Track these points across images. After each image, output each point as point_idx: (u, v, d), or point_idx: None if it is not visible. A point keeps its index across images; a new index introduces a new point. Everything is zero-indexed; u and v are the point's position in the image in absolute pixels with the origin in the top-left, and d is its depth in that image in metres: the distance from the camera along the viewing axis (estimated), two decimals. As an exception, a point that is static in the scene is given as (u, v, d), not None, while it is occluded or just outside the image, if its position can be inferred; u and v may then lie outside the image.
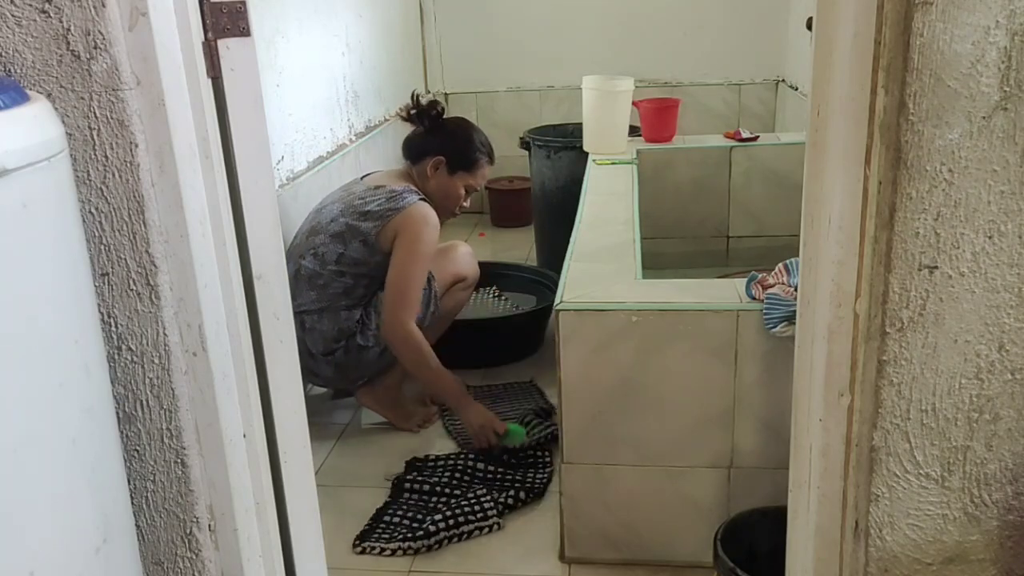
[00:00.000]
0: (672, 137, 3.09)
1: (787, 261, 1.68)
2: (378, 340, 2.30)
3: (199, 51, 1.08)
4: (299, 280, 2.27)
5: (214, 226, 1.12)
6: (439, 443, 2.37)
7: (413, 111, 2.45)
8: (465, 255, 2.53)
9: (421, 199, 2.31)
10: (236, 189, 1.16)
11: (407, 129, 2.51)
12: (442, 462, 2.22)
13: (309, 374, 2.33)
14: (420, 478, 2.15)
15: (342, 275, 2.26)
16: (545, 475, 2.14)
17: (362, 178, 2.45)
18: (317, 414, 2.52)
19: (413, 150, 2.44)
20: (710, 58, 4.19)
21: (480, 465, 2.19)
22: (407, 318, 2.24)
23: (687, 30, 4.17)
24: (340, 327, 2.27)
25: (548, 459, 2.21)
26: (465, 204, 2.50)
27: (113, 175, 1.04)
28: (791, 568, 1.30)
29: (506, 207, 4.24)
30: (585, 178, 2.72)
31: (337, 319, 2.27)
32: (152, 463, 1.15)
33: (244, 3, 1.11)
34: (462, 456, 2.24)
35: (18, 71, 1.00)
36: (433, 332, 2.43)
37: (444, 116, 2.47)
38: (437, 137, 2.42)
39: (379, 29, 3.64)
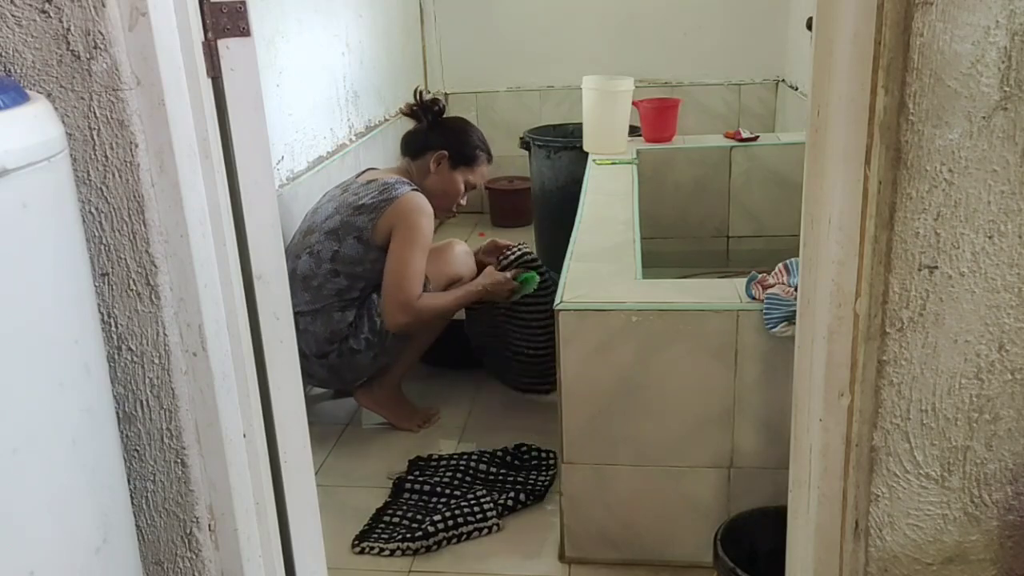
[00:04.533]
0: (672, 137, 3.10)
1: (787, 261, 1.68)
2: (371, 344, 2.27)
3: (199, 51, 1.08)
4: (294, 281, 2.25)
5: (214, 226, 1.12)
6: (440, 443, 2.38)
7: (415, 107, 2.48)
8: (461, 254, 2.48)
9: (414, 189, 2.31)
10: (236, 189, 1.16)
11: (407, 129, 2.52)
12: (444, 462, 2.23)
13: (305, 375, 2.30)
14: (422, 478, 2.15)
15: (336, 275, 2.24)
16: (547, 477, 2.14)
17: (358, 176, 2.46)
18: (317, 414, 2.52)
19: (413, 145, 2.47)
20: (710, 58, 4.19)
21: (482, 466, 2.19)
22: (410, 299, 2.22)
23: (687, 30, 4.17)
24: (333, 329, 2.25)
25: (552, 461, 2.21)
26: (462, 202, 2.53)
27: (113, 175, 1.04)
28: (791, 568, 1.30)
29: (506, 207, 4.25)
30: (585, 178, 2.72)
31: (330, 321, 2.25)
32: (152, 463, 1.15)
33: (244, 3, 1.11)
34: (464, 456, 2.24)
35: (18, 71, 1.00)
36: (430, 333, 2.43)
37: (444, 114, 2.50)
38: (438, 133, 2.45)
39: (379, 29, 3.64)
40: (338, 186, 2.45)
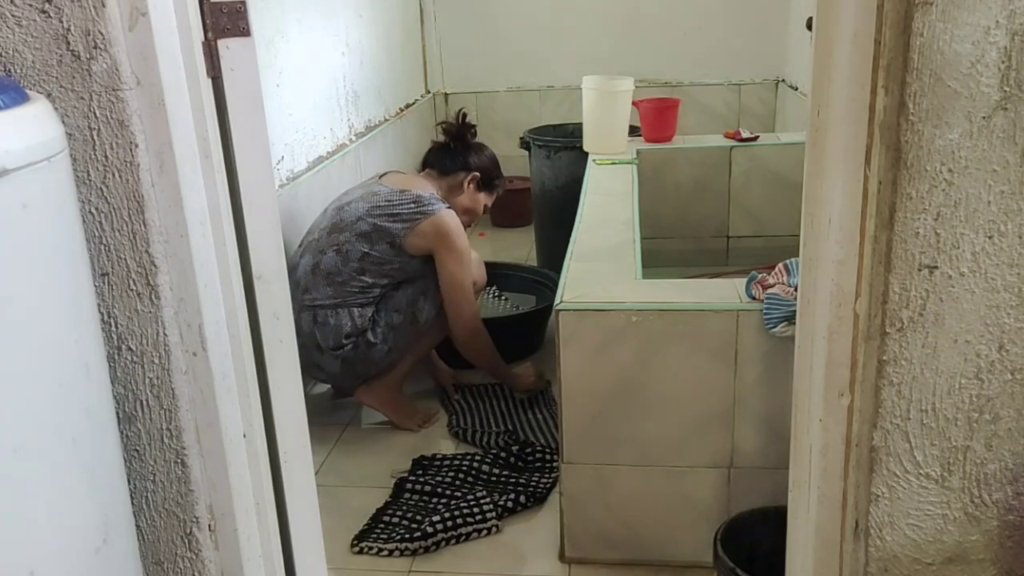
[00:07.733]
0: (672, 137, 3.09)
1: (787, 261, 1.68)
2: (387, 338, 2.32)
3: (199, 51, 1.08)
4: (317, 275, 2.30)
5: (214, 226, 1.12)
6: (441, 443, 2.38)
7: (458, 126, 2.58)
8: (474, 262, 2.56)
9: (448, 207, 2.39)
10: (236, 189, 1.16)
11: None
12: (448, 462, 2.22)
13: (315, 368, 2.35)
14: (424, 478, 2.15)
15: (362, 273, 2.29)
16: (550, 480, 2.13)
17: (380, 177, 2.48)
18: (317, 414, 2.52)
19: (448, 162, 2.55)
20: (710, 58, 4.19)
21: (485, 467, 2.18)
22: (475, 314, 2.44)
23: (687, 30, 4.17)
24: (354, 323, 2.29)
25: (556, 463, 2.19)
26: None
27: (113, 175, 1.04)
28: (791, 568, 1.30)
29: (506, 207, 4.22)
30: (585, 178, 2.72)
31: (351, 315, 2.29)
32: (152, 463, 1.15)
33: (244, 3, 1.11)
34: (468, 456, 2.24)
35: (18, 71, 1.01)
36: (438, 333, 2.45)
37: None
38: (474, 155, 2.56)
39: (379, 29, 3.64)
40: (362, 186, 2.47)
